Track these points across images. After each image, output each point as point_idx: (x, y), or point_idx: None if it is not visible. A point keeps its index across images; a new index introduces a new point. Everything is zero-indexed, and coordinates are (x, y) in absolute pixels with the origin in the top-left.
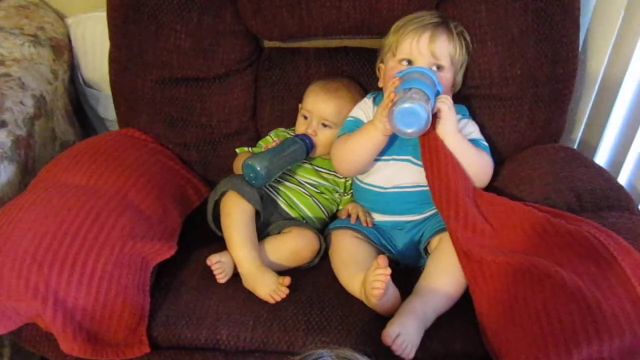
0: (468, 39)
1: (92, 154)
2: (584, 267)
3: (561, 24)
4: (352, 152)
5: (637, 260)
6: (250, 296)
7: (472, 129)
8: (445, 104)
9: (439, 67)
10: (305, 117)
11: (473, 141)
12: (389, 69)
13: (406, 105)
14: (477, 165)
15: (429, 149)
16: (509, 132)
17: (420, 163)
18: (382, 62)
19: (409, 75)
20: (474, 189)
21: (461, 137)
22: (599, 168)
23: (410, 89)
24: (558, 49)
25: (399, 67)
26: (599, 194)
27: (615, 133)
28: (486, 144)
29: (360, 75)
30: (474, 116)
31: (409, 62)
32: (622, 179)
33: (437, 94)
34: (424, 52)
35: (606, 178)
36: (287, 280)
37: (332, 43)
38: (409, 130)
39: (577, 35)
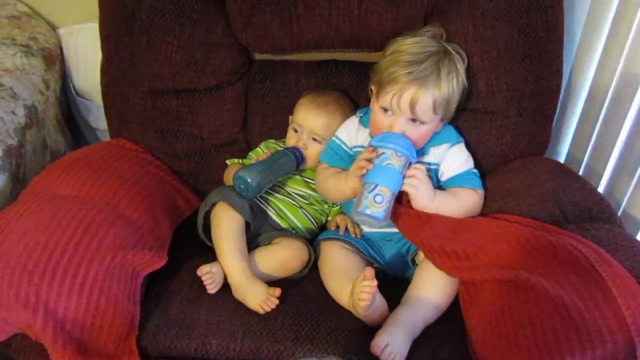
0: (461, 68)
1: (84, 165)
2: (567, 279)
3: (546, 41)
4: (330, 193)
5: (618, 271)
6: (240, 306)
7: (461, 160)
8: (414, 188)
9: (420, 121)
10: (296, 131)
11: (463, 175)
12: (373, 113)
13: (367, 211)
14: (461, 213)
15: (398, 213)
16: (495, 145)
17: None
18: (374, 84)
19: (384, 156)
20: (455, 222)
21: (437, 202)
22: (583, 180)
23: (375, 186)
24: (543, 64)
25: (381, 116)
26: (582, 206)
27: (601, 146)
28: (476, 171)
29: (349, 88)
30: (460, 130)
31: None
32: (606, 190)
33: (410, 164)
34: (404, 109)
35: (589, 190)
36: (277, 291)
37: (322, 56)
38: (369, 228)
39: (561, 51)
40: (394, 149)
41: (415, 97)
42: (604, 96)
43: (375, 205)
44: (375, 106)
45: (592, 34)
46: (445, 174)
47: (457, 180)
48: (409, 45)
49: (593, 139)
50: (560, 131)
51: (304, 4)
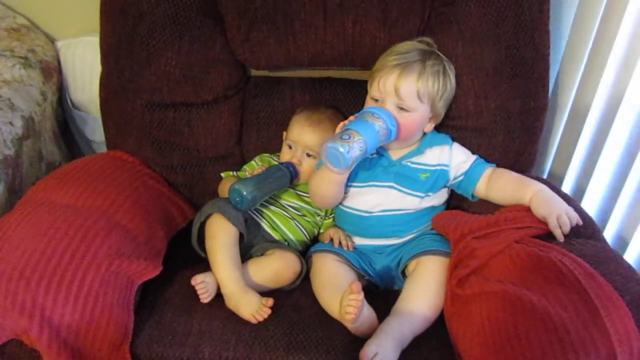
0: (450, 72)
1: (81, 175)
2: (552, 291)
3: (532, 61)
4: (318, 188)
5: (600, 284)
6: (233, 316)
7: (467, 152)
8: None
9: (405, 108)
10: (290, 147)
11: (476, 165)
12: (365, 105)
13: (332, 143)
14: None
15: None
16: None
17: (404, 190)
18: (369, 84)
19: (362, 115)
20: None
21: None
22: (568, 197)
23: (347, 129)
24: (529, 84)
25: (370, 104)
26: None
27: (581, 163)
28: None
29: (342, 105)
30: None
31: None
32: (588, 206)
33: (390, 132)
34: (390, 92)
35: (574, 207)
36: (270, 301)
37: (317, 73)
38: (334, 168)
39: (548, 71)
40: (371, 112)
41: (399, 80)
42: (586, 114)
43: (341, 140)
44: (367, 98)
45: (575, 53)
46: (461, 169)
47: (478, 169)
48: (400, 44)
49: (574, 156)
50: (544, 149)
51: (300, 23)
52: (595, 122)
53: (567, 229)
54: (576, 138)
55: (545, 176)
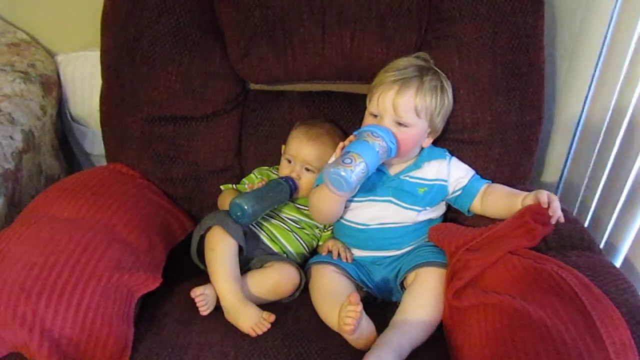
0: (447, 87)
1: (81, 188)
2: (549, 302)
3: (527, 76)
4: (320, 206)
5: (596, 296)
6: (232, 328)
7: (466, 167)
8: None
9: (404, 124)
10: (289, 161)
11: (473, 180)
12: (363, 120)
13: (335, 168)
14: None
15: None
16: (480, 174)
17: (402, 204)
18: (367, 99)
19: (360, 135)
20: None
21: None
22: (564, 209)
23: (348, 152)
24: (525, 98)
25: (369, 120)
26: (563, 234)
27: (600, 174)
28: (478, 176)
29: (340, 118)
30: None
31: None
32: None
33: (390, 150)
34: (388, 108)
35: (570, 219)
36: (272, 317)
37: (315, 87)
38: (338, 191)
39: (542, 86)
40: (370, 131)
41: (397, 96)
42: (596, 129)
43: (343, 165)
44: (366, 114)
45: (580, 66)
46: (460, 184)
47: (475, 185)
48: (398, 60)
49: (589, 171)
50: (547, 160)
51: (299, 38)
52: (604, 137)
53: (557, 204)
54: (592, 148)
55: (559, 189)
